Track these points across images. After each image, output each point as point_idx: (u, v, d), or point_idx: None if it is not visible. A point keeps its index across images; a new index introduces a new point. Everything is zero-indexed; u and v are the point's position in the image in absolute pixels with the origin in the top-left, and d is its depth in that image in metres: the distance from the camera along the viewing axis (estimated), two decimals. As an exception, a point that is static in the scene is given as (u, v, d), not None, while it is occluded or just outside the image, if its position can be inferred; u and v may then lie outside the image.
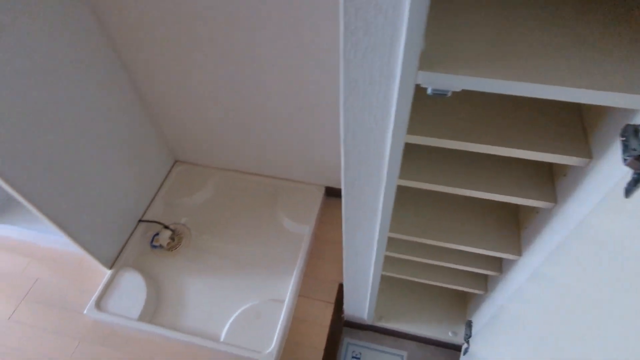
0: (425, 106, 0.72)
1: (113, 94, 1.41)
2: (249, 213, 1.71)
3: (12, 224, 1.64)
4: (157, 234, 1.62)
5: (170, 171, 1.84)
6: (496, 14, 0.57)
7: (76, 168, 1.30)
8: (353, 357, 1.46)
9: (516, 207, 0.99)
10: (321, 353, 1.36)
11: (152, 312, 1.45)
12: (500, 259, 1.06)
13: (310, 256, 1.59)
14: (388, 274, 1.18)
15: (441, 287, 1.28)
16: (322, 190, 1.72)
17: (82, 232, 1.36)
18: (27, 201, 1.15)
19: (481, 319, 1.21)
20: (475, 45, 0.53)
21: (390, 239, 0.91)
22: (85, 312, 1.43)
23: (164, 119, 1.63)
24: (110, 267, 1.53)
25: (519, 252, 0.91)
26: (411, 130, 0.65)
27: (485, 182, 0.79)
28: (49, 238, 1.61)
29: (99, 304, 1.44)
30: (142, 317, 1.41)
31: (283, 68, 1.25)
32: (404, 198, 1.00)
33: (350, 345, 1.48)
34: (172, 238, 1.63)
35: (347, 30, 0.48)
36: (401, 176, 0.73)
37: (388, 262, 1.12)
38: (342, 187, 0.76)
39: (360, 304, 1.28)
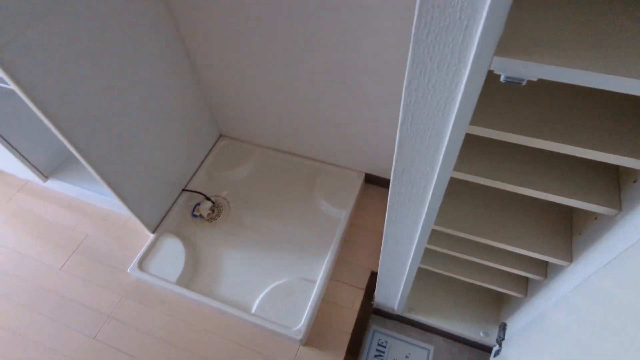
0: (489, 95, 0.68)
1: (171, 68, 1.45)
2: (287, 192, 1.73)
3: (70, 182, 1.76)
4: (198, 204, 1.68)
5: (214, 145, 1.88)
6: (582, 2, 0.53)
7: (132, 136, 1.36)
8: (379, 345, 1.46)
9: (570, 210, 0.94)
10: (348, 337, 1.37)
11: (188, 278, 1.52)
12: (546, 263, 1.01)
13: (345, 241, 1.59)
14: (425, 266, 1.16)
15: (477, 286, 1.24)
16: (362, 177, 1.70)
17: (131, 195, 1.43)
18: (86, 162, 1.22)
19: (517, 323, 1.17)
20: (558, 32, 0.49)
21: (433, 232, 0.89)
22: (128, 270, 1.52)
23: (214, 95, 1.67)
24: (153, 232, 1.61)
25: (569, 258, 0.87)
26: (474, 120, 0.63)
27: (543, 182, 0.75)
28: (101, 198, 1.71)
29: (141, 265, 1.52)
30: (180, 282, 1.48)
31: (334, 52, 1.23)
32: (452, 190, 0.97)
33: (377, 333, 1.49)
34: (212, 209, 1.68)
35: (422, 8, 0.46)
36: (455, 168, 0.70)
37: (427, 254, 1.10)
38: (392, 174, 0.75)
39: (392, 293, 1.27)
